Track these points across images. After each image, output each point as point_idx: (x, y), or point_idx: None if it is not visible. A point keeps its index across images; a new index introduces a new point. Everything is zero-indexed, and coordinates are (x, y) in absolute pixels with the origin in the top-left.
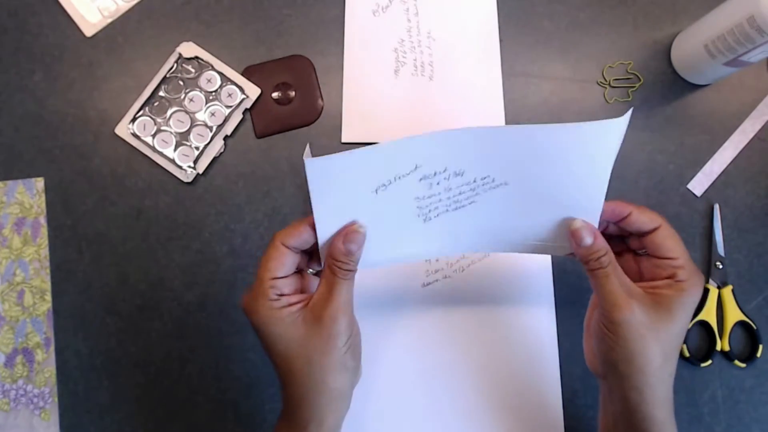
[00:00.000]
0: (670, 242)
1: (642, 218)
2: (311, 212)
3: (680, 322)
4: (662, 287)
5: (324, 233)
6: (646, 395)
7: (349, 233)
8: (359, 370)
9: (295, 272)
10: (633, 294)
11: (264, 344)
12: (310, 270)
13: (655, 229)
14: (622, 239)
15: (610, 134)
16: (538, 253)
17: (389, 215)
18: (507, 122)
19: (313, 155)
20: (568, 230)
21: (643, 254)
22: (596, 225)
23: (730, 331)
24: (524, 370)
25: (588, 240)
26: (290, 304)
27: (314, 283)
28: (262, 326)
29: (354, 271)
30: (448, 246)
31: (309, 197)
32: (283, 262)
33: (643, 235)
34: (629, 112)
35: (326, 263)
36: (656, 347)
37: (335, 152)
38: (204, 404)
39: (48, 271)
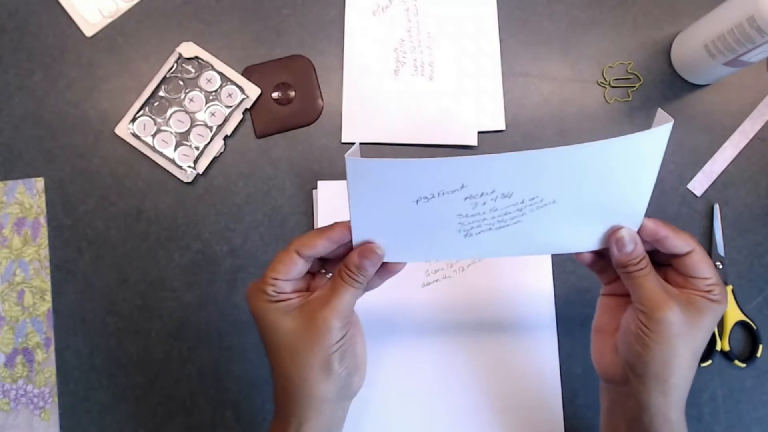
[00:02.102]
0: (704, 266)
1: (677, 242)
2: (346, 214)
3: (708, 328)
4: (698, 297)
5: (359, 234)
6: (670, 397)
7: (366, 250)
8: (353, 381)
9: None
10: (672, 295)
11: (259, 332)
12: (323, 271)
13: (688, 253)
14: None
15: (655, 143)
16: (563, 252)
17: (428, 225)
18: (507, 123)
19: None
20: (609, 236)
21: (669, 266)
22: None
23: (730, 331)
24: (524, 369)
25: (629, 247)
26: (288, 298)
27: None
28: (257, 312)
29: (361, 284)
30: (484, 254)
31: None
32: (291, 269)
33: (674, 256)
34: (671, 123)
35: (338, 267)
36: (689, 347)
37: (335, 152)
38: (204, 404)
39: (48, 271)
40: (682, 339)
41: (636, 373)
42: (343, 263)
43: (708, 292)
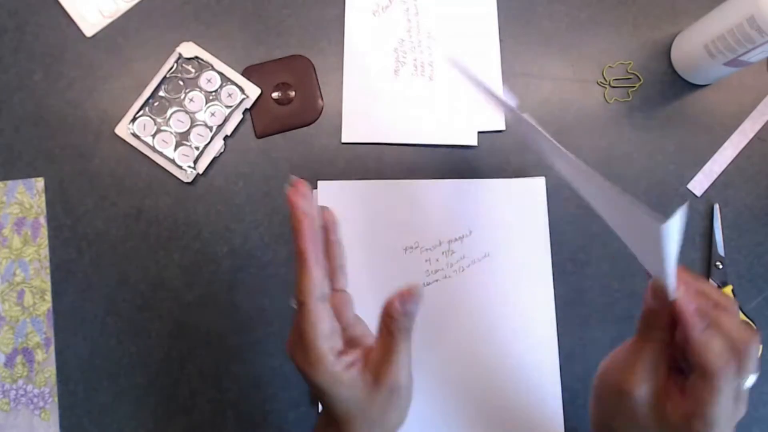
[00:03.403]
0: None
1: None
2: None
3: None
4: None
5: None
6: None
7: (406, 295)
8: None
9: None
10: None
11: (321, 399)
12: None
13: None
14: None
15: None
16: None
17: None
18: (507, 123)
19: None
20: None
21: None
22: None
23: None
24: (524, 369)
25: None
26: (348, 366)
27: (345, 299)
28: (323, 388)
29: (411, 329)
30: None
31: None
32: (324, 317)
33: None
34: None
35: (382, 320)
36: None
37: (335, 152)
38: (204, 404)
39: (48, 271)
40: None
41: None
42: (386, 315)
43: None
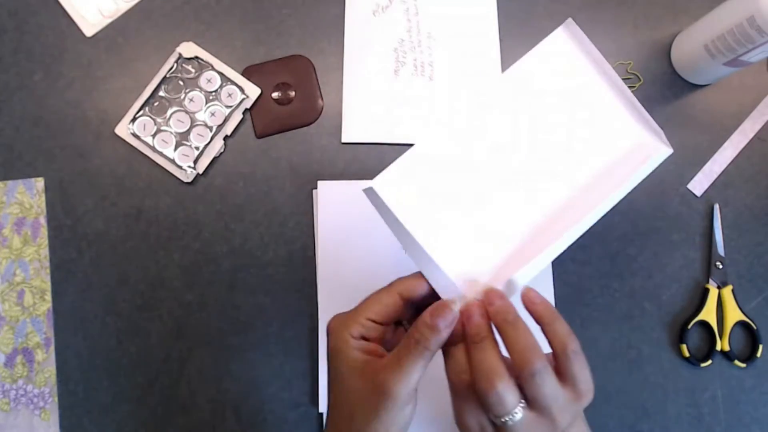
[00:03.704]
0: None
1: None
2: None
3: None
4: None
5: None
6: None
7: (440, 307)
8: None
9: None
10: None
11: (328, 366)
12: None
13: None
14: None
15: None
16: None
17: None
18: None
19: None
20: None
21: None
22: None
23: (730, 331)
24: None
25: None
26: (364, 350)
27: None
28: (332, 352)
29: (432, 350)
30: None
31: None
32: (389, 311)
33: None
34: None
35: (409, 330)
36: None
37: (335, 152)
38: (204, 404)
39: (48, 271)
40: None
41: None
42: (414, 324)
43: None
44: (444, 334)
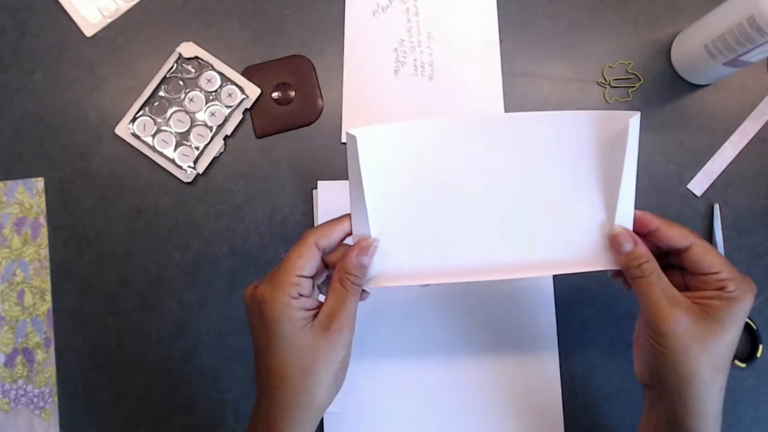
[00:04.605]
0: (708, 258)
1: (672, 234)
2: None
3: (731, 333)
4: (711, 297)
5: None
6: (692, 408)
7: (363, 247)
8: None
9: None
10: (679, 304)
11: (261, 341)
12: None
13: (688, 247)
14: (664, 256)
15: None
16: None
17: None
18: None
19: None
20: (606, 238)
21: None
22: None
23: None
24: (524, 369)
25: (628, 246)
26: (305, 308)
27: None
28: (273, 321)
29: (361, 286)
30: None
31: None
32: (312, 262)
33: (677, 252)
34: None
35: (336, 275)
36: (705, 359)
37: (335, 152)
38: (204, 404)
39: (48, 271)
40: (694, 351)
41: (657, 381)
42: (341, 268)
43: (720, 289)
44: (368, 269)
